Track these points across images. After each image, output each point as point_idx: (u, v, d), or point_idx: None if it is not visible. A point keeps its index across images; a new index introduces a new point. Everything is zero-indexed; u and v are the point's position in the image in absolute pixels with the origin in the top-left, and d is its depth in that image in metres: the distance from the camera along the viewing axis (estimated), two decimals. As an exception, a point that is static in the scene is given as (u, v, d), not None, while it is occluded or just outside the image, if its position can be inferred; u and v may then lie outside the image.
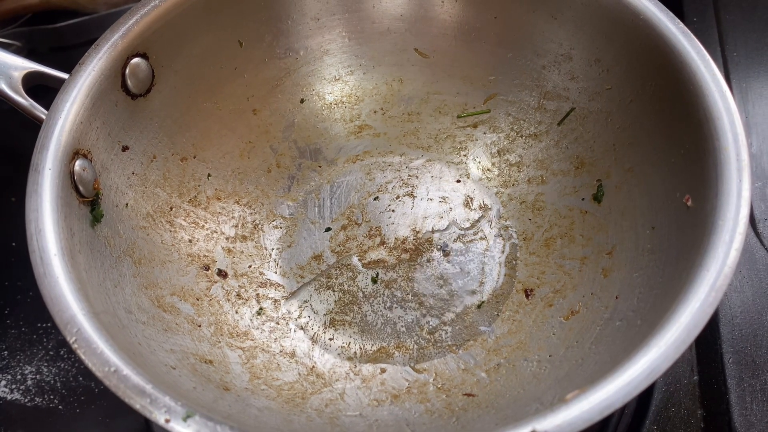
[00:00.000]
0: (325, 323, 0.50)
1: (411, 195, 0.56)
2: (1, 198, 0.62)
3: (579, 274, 0.49)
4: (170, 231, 0.50)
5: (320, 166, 0.58)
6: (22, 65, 0.46)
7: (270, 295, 0.52)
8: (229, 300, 0.50)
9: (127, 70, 0.46)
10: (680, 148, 0.43)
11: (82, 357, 0.34)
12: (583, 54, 0.51)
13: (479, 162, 0.57)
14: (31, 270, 0.37)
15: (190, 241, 0.51)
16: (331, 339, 0.50)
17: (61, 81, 0.44)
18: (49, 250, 0.37)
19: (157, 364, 0.39)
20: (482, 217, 0.55)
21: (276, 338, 0.49)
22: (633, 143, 0.48)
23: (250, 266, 0.53)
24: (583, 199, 0.51)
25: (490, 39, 0.55)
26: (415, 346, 0.49)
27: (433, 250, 0.53)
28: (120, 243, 0.45)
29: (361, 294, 0.52)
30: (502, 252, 0.53)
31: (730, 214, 0.37)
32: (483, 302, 0.51)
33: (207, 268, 0.51)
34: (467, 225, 0.54)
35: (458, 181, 0.56)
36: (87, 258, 0.41)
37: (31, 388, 0.53)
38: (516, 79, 0.55)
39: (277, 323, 0.50)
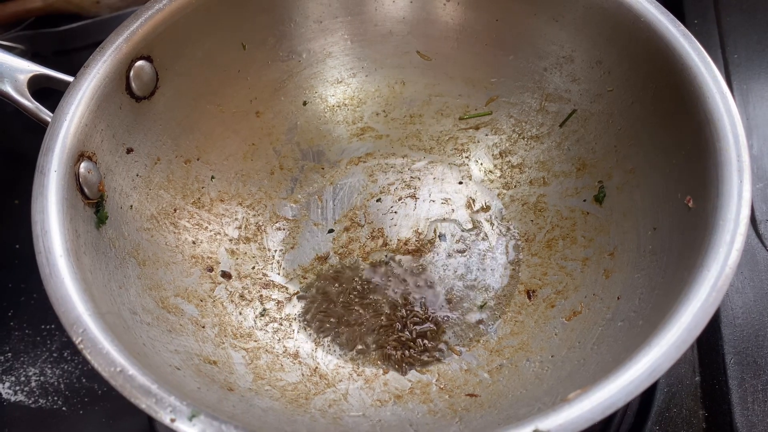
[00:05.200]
0: (328, 324, 0.51)
1: (413, 197, 0.56)
2: (5, 200, 0.63)
3: (581, 275, 0.49)
4: (174, 233, 0.50)
5: (323, 168, 0.58)
6: (27, 68, 0.46)
7: (273, 297, 0.52)
8: (232, 301, 0.50)
9: (131, 73, 0.47)
10: (681, 149, 0.43)
11: (88, 357, 0.35)
12: (585, 56, 0.51)
13: (481, 163, 0.57)
14: (34, 272, 0.37)
15: (194, 242, 0.51)
16: (334, 340, 0.50)
17: (66, 84, 0.44)
18: (55, 251, 0.38)
19: (161, 365, 0.39)
20: (484, 218, 0.55)
21: (279, 339, 0.49)
22: (634, 144, 0.48)
23: (253, 268, 0.53)
24: (584, 201, 0.52)
25: (492, 41, 0.55)
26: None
27: (435, 252, 0.53)
28: (124, 244, 0.45)
29: (363, 295, 0.52)
30: (504, 253, 0.53)
31: (730, 214, 0.37)
32: (485, 303, 0.51)
33: (211, 269, 0.51)
34: (469, 226, 0.55)
35: (460, 183, 0.57)
36: (92, 259, 0.41)
37: (34, 389, 0.53)
38: (518, 81, 0.56)
39: (281, 324, 0.50)
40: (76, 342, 0.35)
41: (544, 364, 0.45)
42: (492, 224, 0.54)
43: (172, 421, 0.32)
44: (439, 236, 0.54)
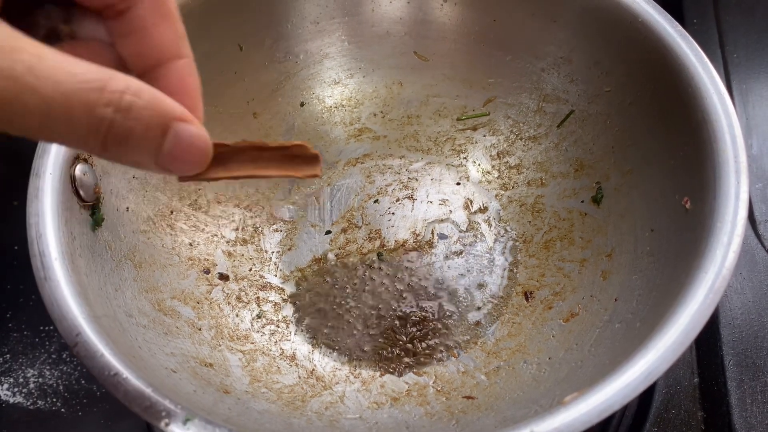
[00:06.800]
0: (325, 326, 0.51)
1: (411, 198, 0.56)
2: (4, 201, 0.63)
3: (578, 276, 0.49)
4: (171, 235, 0.50)
5: (320, 169, 0.58)
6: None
7: (270, 298, 0.52)
8: (229, 303, 0.50)
9: (129, 75, 0.47)
10: (679, 150, 0.43)
11: (83, 361, 0.34)
12: (583, 57, 0.51)
13: (479, 164, 0.57)
14: (33, 274, 0.37)
15: (191, 244, 0.51)
16: (331, 342, 0.50)
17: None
18: (50, 254, 0.38)
19: (157, 368, 0.39)
20: (482, 219, 0.55)
21: (276, 341, 0.49)
22: (632, 145, 0.48)
23: (250, 269, 0.53)
24: (582, 202, 0.52)
25: (490, 42, 0.55)
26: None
27: (432, 253, 0.53)
28: (121, 247, 0.45)
29: (361, 297, 0.52)
30: (502, 254, 0.53)
31: (728, 216, 0.37)
32: (483, 305, 0.51)
33: (207, 271, 0.51)
34: (467, 227, 0.54)
35: (458, 184, 0.57)
36: (88, 262, 0.41)
37: (33, 391, 0.53)
38: (515, 82, 0.55)
39: (278, 326, 0.50)
40: (71, 345, 0.35)
41: (541, 366, 0.44)
42: (490, 225, 0.54)
43: (167, 425, 0.32)
44: (437, 237, 0.54)
